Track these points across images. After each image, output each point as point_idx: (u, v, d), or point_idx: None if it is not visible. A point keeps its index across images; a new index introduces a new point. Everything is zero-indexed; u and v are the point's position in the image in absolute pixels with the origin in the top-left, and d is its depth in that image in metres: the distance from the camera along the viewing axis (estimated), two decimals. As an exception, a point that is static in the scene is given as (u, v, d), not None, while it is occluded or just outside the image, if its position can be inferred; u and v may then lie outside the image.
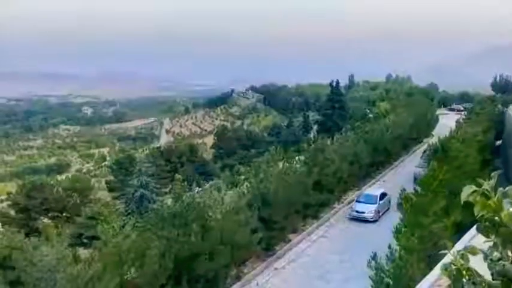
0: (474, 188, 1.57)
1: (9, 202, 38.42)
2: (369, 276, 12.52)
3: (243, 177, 24.63)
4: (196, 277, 14.69)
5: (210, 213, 15.98)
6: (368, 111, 71.98)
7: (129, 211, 33.59)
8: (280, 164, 21.53)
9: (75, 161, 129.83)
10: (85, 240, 26.80)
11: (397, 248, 11.73)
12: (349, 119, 61.48)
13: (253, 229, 16.89)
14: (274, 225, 18.93)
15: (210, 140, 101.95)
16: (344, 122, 61.83)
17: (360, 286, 12.79)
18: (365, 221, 23.25)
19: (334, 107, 71.21)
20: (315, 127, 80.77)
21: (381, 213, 23.77)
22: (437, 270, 6.16)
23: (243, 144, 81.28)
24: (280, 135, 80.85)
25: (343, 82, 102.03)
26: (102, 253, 12.45)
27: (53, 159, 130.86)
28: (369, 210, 23.37)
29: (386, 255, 12.17)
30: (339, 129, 49.26)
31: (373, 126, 34.77)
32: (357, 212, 23.68)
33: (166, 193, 41.22)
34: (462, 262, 1.46)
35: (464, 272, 1.42)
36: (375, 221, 23.08)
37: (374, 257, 12.08)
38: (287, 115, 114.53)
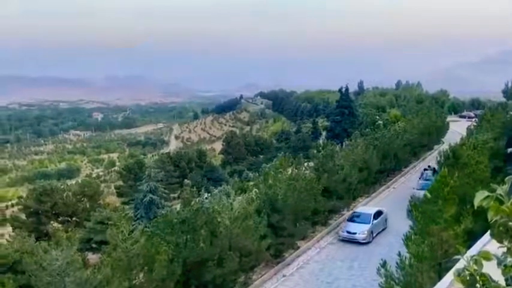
0: (487, 193, 1.56)
1: (20, 206, 38.78)
2: (379, 284, 12.40)
3: (251, 183, 24.58)
4: (204, 283, 14.67)
5: (219, 219, 15.98)
6: (378, 117, 71.67)
7: (138, 216, 33.69)
8: (289, 170, 21.49)
9: (85, 166, 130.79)
10: (94, 245, 26.94)
11: (407, 255, 11.60)
12: (359, 126, 61.21)
13: (262, 235, 16.84)
14: (283, 231, 18.85)
15: (218, 146, 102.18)
16: (353, 128, 61.54)
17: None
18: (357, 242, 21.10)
19: (344, 113, 70.99)
20: (324, 133, 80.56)
21: (374, 234, 21.66)
22: (448, 277, 6.09)
23: (251, 150, 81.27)
24: (289, 141, 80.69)
25: (353, 88, 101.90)
26: (111, 258, 12.49)
27: (63, 164, 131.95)
28: (361, 230, 21.17)
29: (397, 263, 12.06)
30: (348, 135, 49.06)
31: (383, 132, 34.58)
32: (348, 232, 21.46)
33: (175, 198, 41.38)
34: (475, 268, 1.45)
35: (478, 278, 1.41)
36: (367, 243, 20.98)
37: (384, 264, 11.96)
38: (296, 121, 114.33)
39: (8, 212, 58.66)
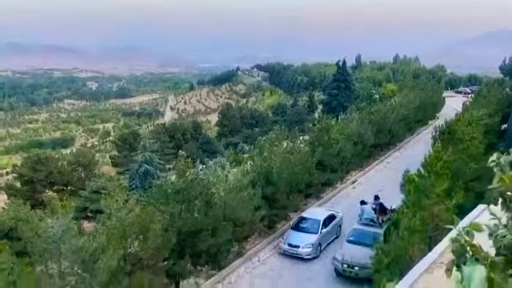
0: (496, 157, 1.57)
1: (14, 174, 38.79)
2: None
3: (246, 155, 24.64)
4: (198, 252, 14.90)
5: (214, 190, 16.11)
6: (374, 91, 71.49)
7: (133, 186, 33.88)
8: (284, 143, 21.55)
9: (79, 136, 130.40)
10: (89, 214, 27.17)
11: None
12: (355, 100, 61.08)
13: (256, 207, 17.04)
14: (276, 203, 19.08)
15: (214, 118, 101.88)
16: (349, 102, 61.49)
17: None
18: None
19: (340, 87, 70.71)
20: (320, 107, 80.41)
21: (323, 247, 17.86)
22: (439, 248, 6.22)
23: (247, 122, 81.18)
24: (285, 115, 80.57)
25: (350, 62, 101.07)
26: (106, 226, 12.61)
27: (57, 133, 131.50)
28: (305, 243, 17.22)
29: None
30: (344, 109, 49.06)
31: (379, 107, 34.57)
32: (289, 245, 17.40)
33: (170, 169, 41.51)
34: (467, 238, 1.47)
35: (468, 248, 1.43)
36: (313, 258, 17.26)
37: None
38: (292, 94, 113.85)
39: (3, 180, 58.76)
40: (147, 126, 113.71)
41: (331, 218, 18.90)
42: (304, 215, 19.31)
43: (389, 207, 17.95)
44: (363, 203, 18.77)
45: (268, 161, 19.24)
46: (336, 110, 59.79)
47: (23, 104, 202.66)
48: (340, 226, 19.31)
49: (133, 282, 12.47)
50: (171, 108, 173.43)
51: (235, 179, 16.86)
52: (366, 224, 17.24)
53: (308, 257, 17.14)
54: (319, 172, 22.80)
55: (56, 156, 39.38)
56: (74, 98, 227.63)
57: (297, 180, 20.12)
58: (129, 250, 12.60)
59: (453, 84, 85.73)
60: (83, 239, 11.92)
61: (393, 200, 16.67)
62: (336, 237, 18.76)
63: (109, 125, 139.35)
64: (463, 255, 1.39)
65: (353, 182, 27.00)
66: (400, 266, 9.47)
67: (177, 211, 14.66)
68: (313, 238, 17.46)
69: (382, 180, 26.26)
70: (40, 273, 10.93)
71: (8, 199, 33.87)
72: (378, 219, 17.39)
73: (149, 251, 12.84)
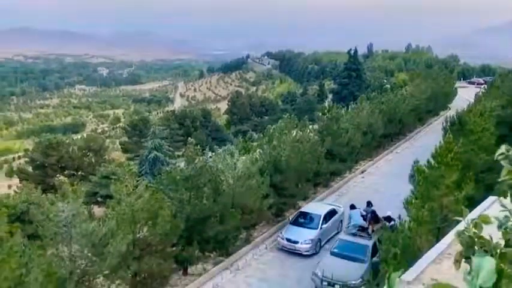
0: (505, 150, 1.55)
1: (26, 159, 39.33)
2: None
3: (255, 143, 24.60)
4: (206, 238, 15.04)
5: (222, 178, 16.18)
6: (385, 81, 70.80)
7: (143, 172, 34.18)
8: (294, 132, 21.49)
9: (90, 121, 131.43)
10: (99, 199, 27.53)
11: (407, 218, 11.79)
12: (366, 89, 60.60)
13: (264, 195, 17.10)
14: (285, 191, 19.12)
15: (223, 106, 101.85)
16: (360, 91, 60.97)
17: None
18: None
19: (351, 76, 70.15)
20: (330, 96, 79.98)
21: (323, 242, 17.06)
22: (447, 239, 6.20)
23: (256, 111, 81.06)
24: (295, 103, 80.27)
25: (362, 51, 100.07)
26: (115, 211, 12.76)
27: (68, 119, 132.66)
28: (304, 239, 16.61)
29: (396, 226, 12.28)
30: (354, 98, 48.68)
31: (390, 97, 34.28)
32: (287, 240, 16.79)
33: (179, 156, 41.70)
34: (475, 230, 1.46)
35: (476, 240, 1.42)
36: (312, 255, 16.46)
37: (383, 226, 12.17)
38: (302, 83, 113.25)
39: (15, 164, 59.57)
40: (157, 113, 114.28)
41: (332, 213, 18.06)
42: (304, 209, 18.59)
43: (388, 214, 16.12)
44: (352, 207, 16.92)
45: (277, 150, 19.23)
46: (346, 99, 59.44)
47: (35, 89, 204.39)
48: (341, 221, 18.34)
49: (142, 267, 12.65)
50: (181, 95, 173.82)
51: (244, 166, 16.88)
52: (354, 234, 15.17)
53: (307, 253, 16.44)
54: (328, 161, 22.76)
55: (67, 141, 39.78)
56: (85, 84, 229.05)
57: (306, 169, 20.11)
58: (138, 235, 12.76)
59: (466, 74, 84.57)
60: (93, 224, 12.09)
61: (402, 192, 16.26)
62: (337, 233, 17.65)
63: (119, 111, 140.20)
64: (471, 247, 1.39)
65: (362, 172, 26.93)
66: (408, 256, 9.47)
67: (186, 198, 14.78)
68: (312, 234, 16.77)
69: (391, 170, 26.17)
70: (51, 256, 11.13)
71: (20, 183, 34.44)
72: (368, 228, 15.33)
73: (158, 236, 12.99)
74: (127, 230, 12.34)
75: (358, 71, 71.44)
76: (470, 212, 7.66)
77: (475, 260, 1.08)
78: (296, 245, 16.54)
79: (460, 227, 1.53)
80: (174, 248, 14.25)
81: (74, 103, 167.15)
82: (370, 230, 15.15)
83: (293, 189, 19.68)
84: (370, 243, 14.55)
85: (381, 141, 30.57)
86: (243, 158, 18.50)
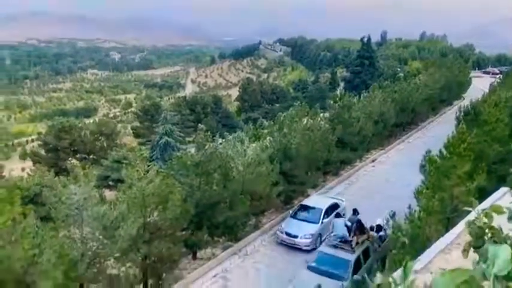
0: None
1: (39, 142, 39.84)
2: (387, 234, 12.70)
3: (266, 131, 24.60)
4: (216, 224, 15.19)
5: (232, 164, 16.24)
6: (398, 70, 69.92)
7: (154, 157, 34.42)
8: (304, 120, 21.43)
9: (102, 106, 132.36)
10: (111, 183, 27.84)
11: (417, 208, 11.75)
12: (379, 77, 59.93)
13: (274, 182, 17.15)
14: (294, 179, 19.14)
15: (234, 92, 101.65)
16: (373, 80, 60.38)
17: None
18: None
19: (364, 64, 69.39)
20: (342, 84, 79.31)
21: (324, 237, 15.80)
22: (457, 229, 6.17)
23: (267, 98, 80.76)
24: (306, 91, 79.78)
25: (375, 38, 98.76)
26: (126, 195, 12.91)
27: (81, 103, 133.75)
28: (304, 233, 15.99)
29: (405, 215, 12.21)
30: (366, 87, 48.26)
31: (403, 85, 33.87)
32: (287, 234, 16.23)
33: (189, 142, 41.90)
34: (485, 220, 1.45)
35: (487, 230, 1.41)
36: (312, 250, 15.55)
37: (393, 215, 12.17)
38: (314, 70, 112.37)
39: (28, 147, 60.42)
40: (168, 99, 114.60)
41: (334, 207, 17.28)
42: (305, 203, 17.83)
43: (377, 223, 14.59)
44: (337, 215, 15.34)
45: (287, 137, 19.21)
46: (358, 88, 58.92)
47: (48, 73, 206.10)
48: (343, 215, 17.39)
49: (152, 250, 12.82)
50: (192, 81, 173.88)
51: (254, 153, 16.92)
52: (336, 246, 13.24)
53: (307, 248, 15.74)
54: (339, 150, 22.69)
55: (79, 125, 40.17)
56: (97, 68, 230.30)
57: (316, 157, 20.08)
58: (149, 219, 12.90)
59: (481, 64, 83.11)
60: (104, 207, 12.26)
61: (412, 182, 16.00)
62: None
63: (131, 96, 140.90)
64: (481, 237, 1.38)
65: (373, 161, 26.81)
66: (416, 246, 9.46)
67: (196, 183, 14.89)
68: (313, 228, 16.13)
69: (402, 160, 26.00)
70: (63, 238, 11.34)
71: (34, 166, 34.95)
72: (351, 241, 13.24)
73: (168, 220, 13.13)
74: (138, 214, 12.50)
75: (371, 59, 70.62)
76: (481, 202, 7.60)
77: (490, 248, 1.08)
78: (295, 240, 15.98)
79: (471, 217, 1.52)
80: (183, 233, 14.42)
81: (86, 87, 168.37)
82: (354, 243, 13.13)
83: (302, 177, 19.69)
84: (352, 257, 12.67)
85: (392, 130, 30.35)
86: (253, 145, 18.55)
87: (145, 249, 12.71)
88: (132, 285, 13.05)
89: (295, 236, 16.01)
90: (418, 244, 9.50)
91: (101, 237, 11.91)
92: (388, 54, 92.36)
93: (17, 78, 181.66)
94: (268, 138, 20.21)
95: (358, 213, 14.39)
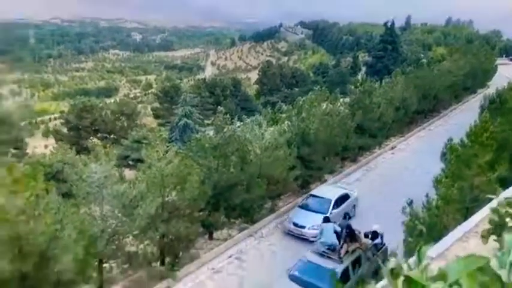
0: None
1: (62, 120, 40.60)
2: (403, 222, 12.60)
3: (284, 115, 24.48)
4: (232, 206, 15.35)
5: (250, 148, 16.30)
6: (422, 55, 68.40)
7: (173, 138, 34.78)
8: (324, 105, 21.25)
9: (123, 86, 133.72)
10: (131, 162, 28.31)
11: (435, 197, 11.62)
12: (402, 63, 58.80)
13: (291, 166, 17.16)
14: (311, 164, 19.11)
15: (254, 75, 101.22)
16: (395, 65, 59.24)
17: (389, 230, 12.88)
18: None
19: (387, 49, 68.06)
20: (364, 69, 78.06)
21: None
22: (475, 218, 6.10)
23: (287, 82, 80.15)
24: (327, 75, 78.86)
25: (399, 23, 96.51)
26: (146, 175, 13.12)
27: (102, 83, 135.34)
28: (311, 224, 15.40)
29: (423, 204, 12.08)
30: (389, 72, 47.39)
31: (426, 72, 33.17)
32: (294, 224, 15.82)
33: (208, 124, 42.13)
34: (507, 209, 1.43)
35: (507, 219, 1.40)
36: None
37: (410, 203, 12.05)
38: (336, 54, 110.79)
39: (51, 125, 61.67)
40: (188, 81, 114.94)
41: (344, 197, 16.93)
42: (314, 192, 17.37)
43: (374, 229, 13.20)
44: (326, 220, 13.42)
45: (306, 122, 19.12)
46: (380, 73, 57.93)
47: (71, 52, 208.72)
48: (354, 206, 17.30)
49: (170, 229, 13.07)
50: (212, 64, 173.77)
51: (272, 137, 16.92)
52: (322, 255, 11.89)
53: (314, 239, 14.57)
54: (358, 136, 22.50)
55: (100, 105, 40.73)
56: (119, 49, 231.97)
57: (334, 142, 19.96)
58: (167, 199, 13.12)
59: (509, 51, 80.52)
60: (123, 186, 12.51)
61: (432, 170, 15.74)
62: (349, 218, 15.67)
63: (151, 77, 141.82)
64: (501, 225, 1.37)
65: (392, 148, 26.53)
66: (433, 234, 9.39)
67: (214, 165, 15.02)
68: (321, 219, 14.87)
69: (423, 147, 25.66)
70: (84, 215, 11.64)
71: (56, 143, 35.72)
72: (341, 249, 11.91)
73: (186, 201, 13.33)
74: (156, 194, 12.72)
75: (395, 43, 69.15)
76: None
77: (507, 237, 1.07)
78: (303, 230, 15.53)
79: (492, 205, 1.50)
80: (201, 213, 14.62)
81: (108, 67, 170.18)
82: (342, 252, 11.81)
83: (320, 162, 19.64)
84: (340, 268, 11.34)
85: (413, 117, 29.88)
86: (271, 129, 18.52)
87: (163, 228, 12.96)
88: (149, 262, 13.39)
89: (303, 227, 15.60)
90: (435, 233, 9.43)
91: (120, 215, 12.19)
92: (412, 39, 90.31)
93: (40, 57, 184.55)
94: (286, 122, 20.13)
95: (349, 218, 13.25)
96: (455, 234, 6.12)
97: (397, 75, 30.68)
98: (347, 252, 11.81)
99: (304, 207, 16.57)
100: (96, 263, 12.01)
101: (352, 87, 31.14)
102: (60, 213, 10.38)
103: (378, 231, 13.13)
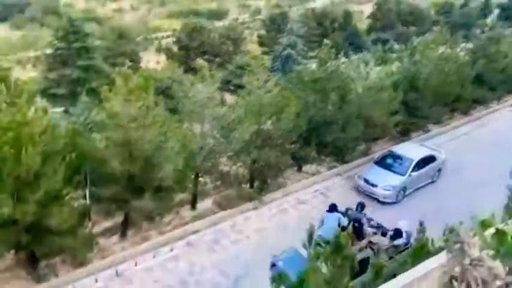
0: None
1: (173, 39, 42.55)
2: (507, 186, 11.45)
3: (395, 55, 22.86)
4: (325, 143, 15.33)
5: (352, 86, 15.74)
6: None
7: (275, 68, 34.75)
8: (441, 49, 19.34)
9: (233, 10, 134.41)
10: (232, 87, 29.14)
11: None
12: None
13: (393, 111, 16.34)
14: (416, 112, 18.02)
15: (368, 9, 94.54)
16: (536, 10, 51.18)
17: (490, 194, 11.89)
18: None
19: (530, -12, 58.65)
20: (496, 12, 68.65)
21: (409, 191, 14.66)
22: None
23: (403, 19, 73.74)
24: (451, 15, 70.89)
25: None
26: (245, 101, 13.51)
27: (213, 4, 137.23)
28: (385, 184, 14.32)
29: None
30: (526, 18, 41.24)
31: None
32: (366, 181, 14.67)
33: (312, 57, 41.18)
34: None
35: None
36: (392, 203, 14.26)
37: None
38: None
39: (164, 42, 65.00)
40: (297, 9, 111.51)
41: (428, 159, 15.38)
42: (395, 149, 15.91)
43: (398, 227, 10.86)
44: (331, 209, 11.15)
45: (417, 65, 17.82)
46: (515, 18, 50.64)
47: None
48: (439, 170, 15.76)
49: (262, 156, 13.59)
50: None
51: (377, 78, 16.07)
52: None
53: (386, 200, 14.18)
54: (475, 87, 20.47)
55: (210, 27, 41.62)
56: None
57: (446, 91, 18.41)
58: (262, 127, 13.50)
59: None
60: (224, 109, 13.12)
61: None
62: (431, 182, 15.46)
63: (261, 3, 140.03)
64: None
65: (512, 105, 23.77)
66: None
67: (312, 100, 14.90)
68: (397, 180, 14.38)
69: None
70: (186, 130, 12.52)
71: (167, 60, 37.88)
72: None
73: (280, 131, 13.63)
74: (253, 120, 13.15)
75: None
76: None
77: None
78: (374, 189, 14.38)
79: None
80: (292, 145, 14.89)
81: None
82: None
83: (426, 110, 18.39)
84: None
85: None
86: (378, 68, 17.51)
87: (256, 153, 13.52)
88: (239, 183, 14.26)
89: (374, 185, 14.41)
90: None
91: (218, 135, 12.91)
92: None
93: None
94: (396, 63, 18.86)
95: (363, 209, 11.57)
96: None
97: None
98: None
99: (380, 164, 15.26)
100: (193, 176, 13.06)
101: (478, 31, 27.76)
102: (166, 126, 11.28)
103: (402, 231, 10.81)
